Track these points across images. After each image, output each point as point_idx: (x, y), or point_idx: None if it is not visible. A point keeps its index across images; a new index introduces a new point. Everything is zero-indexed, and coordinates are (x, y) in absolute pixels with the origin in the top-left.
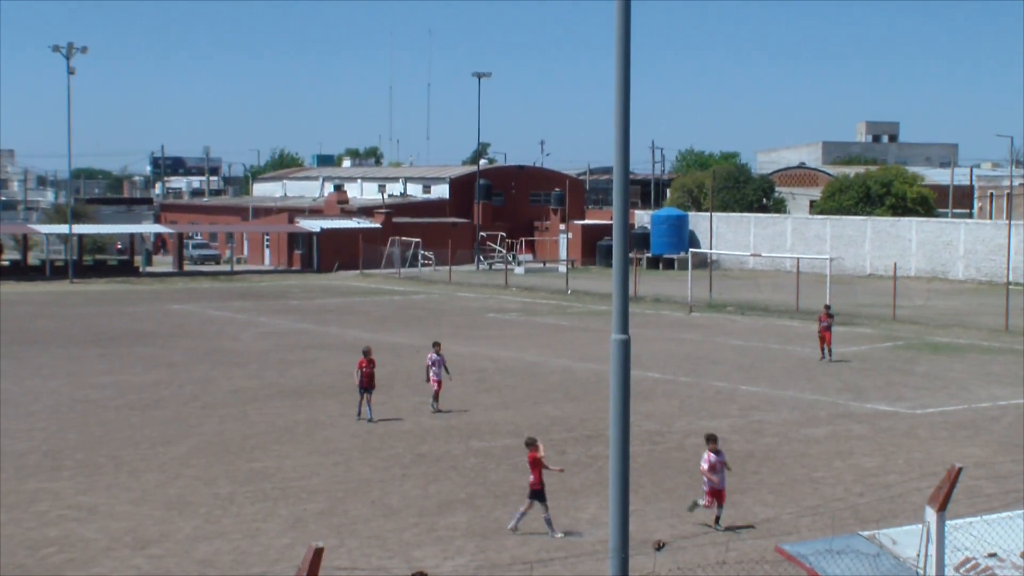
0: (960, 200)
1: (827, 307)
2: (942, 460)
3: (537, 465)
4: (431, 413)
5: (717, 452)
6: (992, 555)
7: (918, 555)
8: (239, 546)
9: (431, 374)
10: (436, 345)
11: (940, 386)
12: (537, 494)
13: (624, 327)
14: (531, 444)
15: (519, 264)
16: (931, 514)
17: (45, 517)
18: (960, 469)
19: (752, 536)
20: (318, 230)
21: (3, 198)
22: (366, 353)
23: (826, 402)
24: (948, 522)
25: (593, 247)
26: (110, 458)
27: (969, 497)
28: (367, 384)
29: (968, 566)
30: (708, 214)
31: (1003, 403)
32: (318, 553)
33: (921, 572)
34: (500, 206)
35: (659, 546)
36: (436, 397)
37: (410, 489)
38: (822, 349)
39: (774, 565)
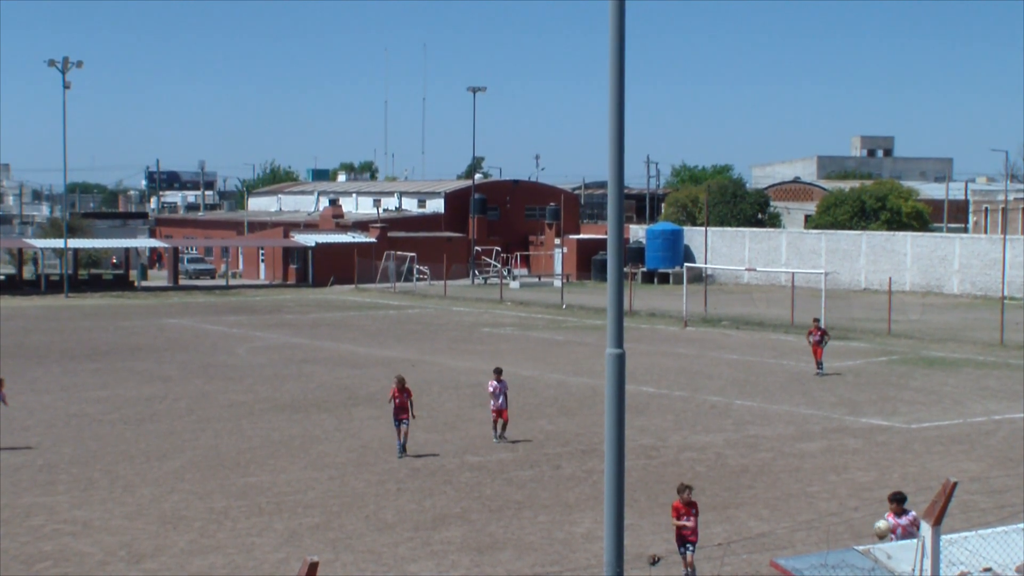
0: (955, 214)
1: (816, 320)
2: (937, 474)
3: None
4: (495, 443)
5: (903, 512)
6: (987, 570)
7: (913, 570)
8: (234, 560)
9: (492, 403)
10: (497, 371)
11: (935, 400)
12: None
13: (619, 341)
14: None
15: (514, 278)
16: (926, 529)
17: (40, 532)
18: (955, 484)
19: (747, 551)
20: (313, 245)
21: None
22: (399, 382)
23: (821, 416)
24: (943, 537)
25: (588, 261)
26: (105, 472)
27: (964, 512)
28: (400, 415)
29: None
30: (703, 229)
31: (998, 417)
32: (313, 567)
33: None
34: (495, 220)
35: (654, 560)
36: (495, 425)
37: (405, 503)
38: (817, 362)
39: None
